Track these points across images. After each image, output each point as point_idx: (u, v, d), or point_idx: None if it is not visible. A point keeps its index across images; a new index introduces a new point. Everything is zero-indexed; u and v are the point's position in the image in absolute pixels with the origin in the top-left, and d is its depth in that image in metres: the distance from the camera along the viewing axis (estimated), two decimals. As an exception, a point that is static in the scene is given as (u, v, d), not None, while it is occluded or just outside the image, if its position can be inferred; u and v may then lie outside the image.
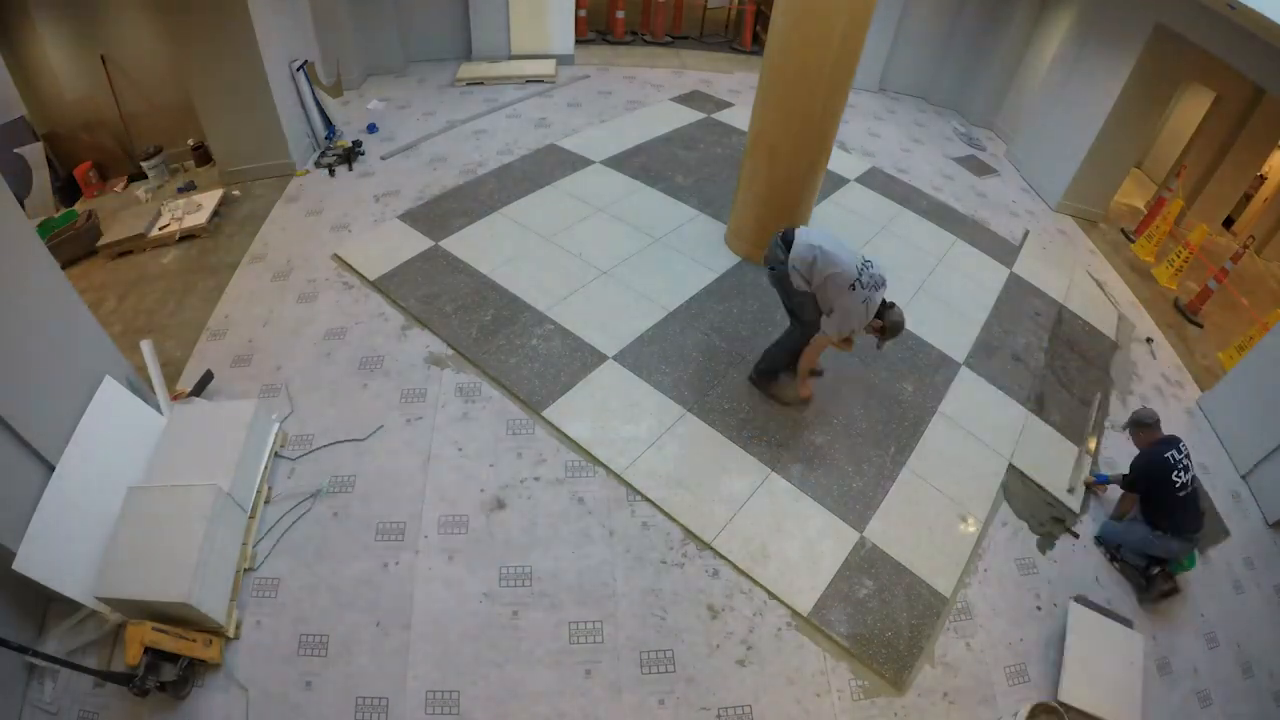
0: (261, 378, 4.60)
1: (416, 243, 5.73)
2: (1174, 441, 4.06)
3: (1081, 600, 3.98)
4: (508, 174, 6.78)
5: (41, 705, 3.09)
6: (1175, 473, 3.94)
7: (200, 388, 4.41)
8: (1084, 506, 4.59)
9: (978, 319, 5.93)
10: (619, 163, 7.15)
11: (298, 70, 6.68)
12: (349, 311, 5.10)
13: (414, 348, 4.84)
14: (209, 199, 6.12)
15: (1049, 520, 4.45)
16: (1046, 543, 4.31)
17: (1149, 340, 6.37)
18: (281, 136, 6.47)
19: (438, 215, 6.09)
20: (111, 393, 3.65)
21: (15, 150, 6.25)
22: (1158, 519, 4.07)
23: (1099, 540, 4.40)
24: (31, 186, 6.34)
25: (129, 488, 3.39)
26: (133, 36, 6.56)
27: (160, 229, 5.81)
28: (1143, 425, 4.19)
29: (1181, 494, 3.95)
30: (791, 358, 4.54)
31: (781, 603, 3.69)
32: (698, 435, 4.44)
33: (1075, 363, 5.76)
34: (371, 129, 7.48)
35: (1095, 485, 4.68)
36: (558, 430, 4.36)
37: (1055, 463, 4.82)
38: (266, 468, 3.95)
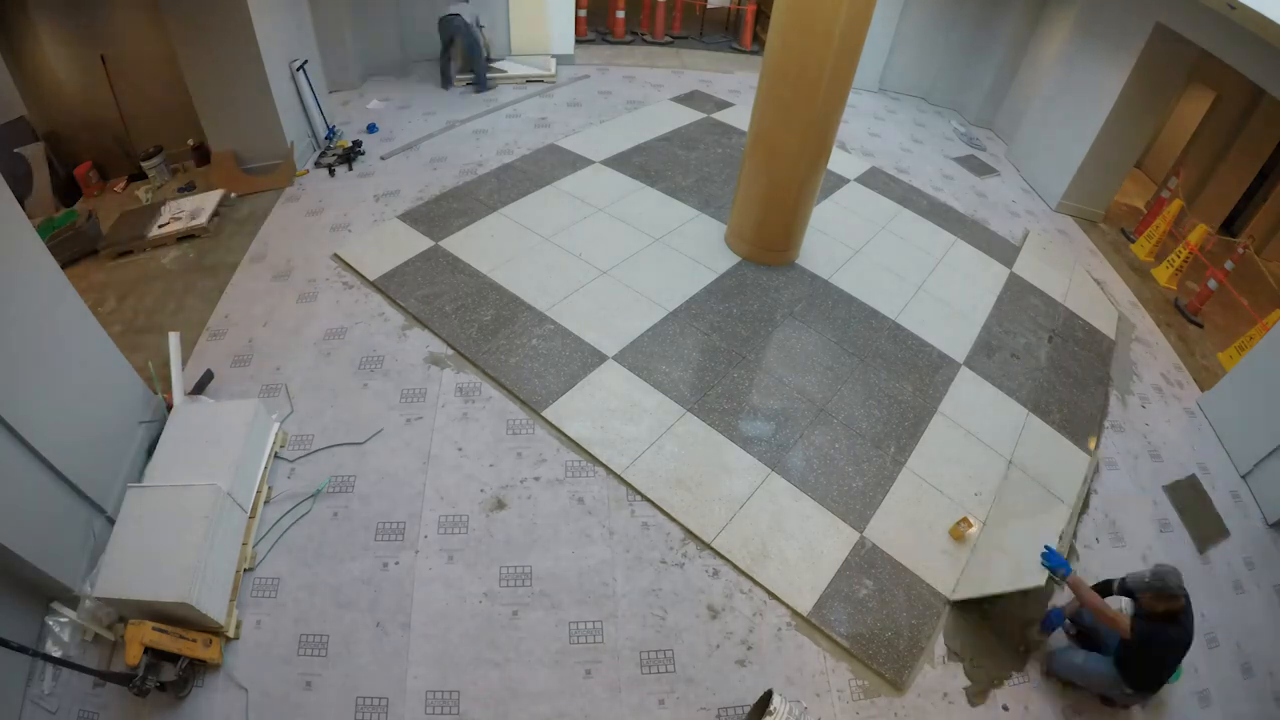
0: (261, 378, 4.60)
1: (416, 243, 5.73)
2: (1188, 616, 3.18)
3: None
4: (508, 174, 6.78)
5: (41, 702, 3.09)
6: (1176, 657, 3.26)
7: (200, 387, 4.42)
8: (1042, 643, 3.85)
9: (978, 319, 5.93)
10: (619, 163, 7.14)
11: (298, 70, 6.68)
12: (349, 311, 5.10)
13: (414, 348, 4.84)
14: (209, 199, 6.12)
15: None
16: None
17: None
18: (282, 136, 6.47)
19: (438, 215, 6.09)
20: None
21: (15, 150, 6.24)
22: (1125, 668, 3.34)
23: (1049, 673, 3.67)
24: (32, 186, 6.33)
25: (129, 486, 3.41)
26: (133, 36, 6.56)
27: (160, 229, 5.81)
28: (1164, 596, 3.11)
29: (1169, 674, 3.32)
30: None
31: (781, 603, 3.69)
32: (698, 435, 4.44)
33: (1075, 363, 5.76)
34: (371, 129, 7.47)
35: (1055, 575, 3.50)
36: (558, 430, 4.36)
37: (1052, 469, 4.83)
38: (266, 468, 3.96)
